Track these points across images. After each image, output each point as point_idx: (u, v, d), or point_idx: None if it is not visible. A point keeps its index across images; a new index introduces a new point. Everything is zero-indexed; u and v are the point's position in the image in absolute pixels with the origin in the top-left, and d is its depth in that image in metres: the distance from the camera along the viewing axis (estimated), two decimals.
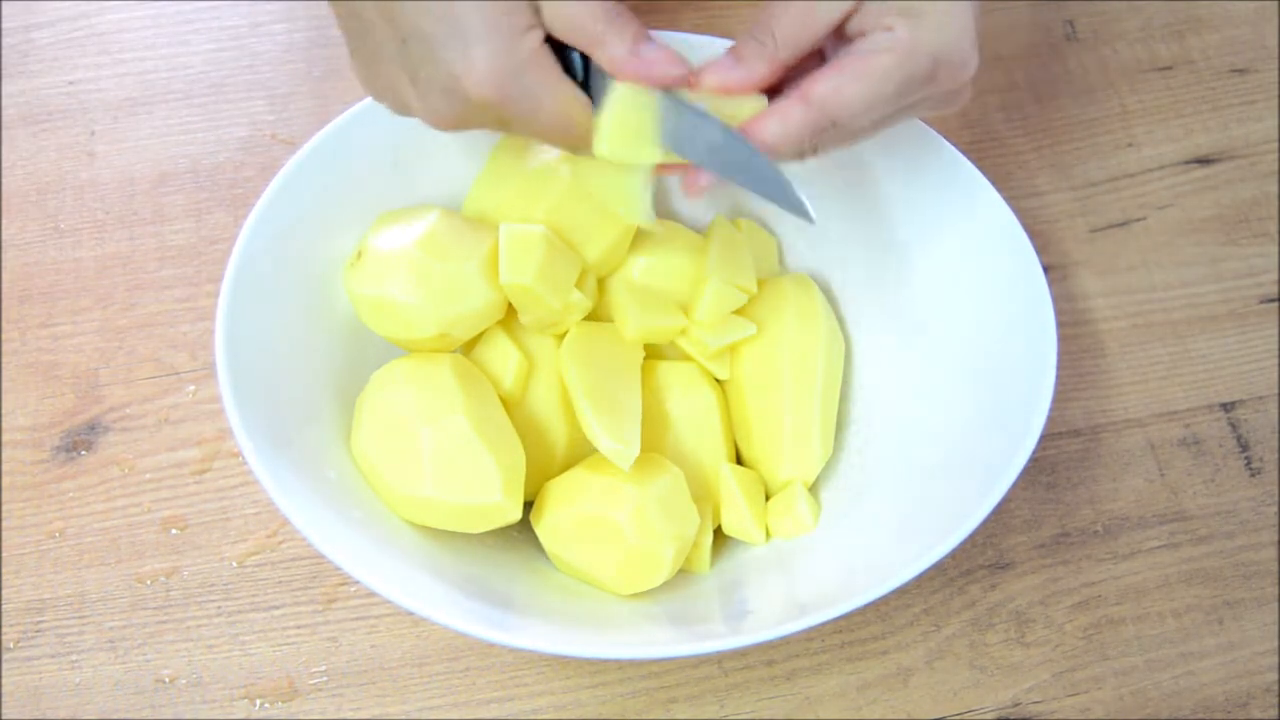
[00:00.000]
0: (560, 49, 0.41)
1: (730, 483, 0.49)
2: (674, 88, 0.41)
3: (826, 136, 0.41)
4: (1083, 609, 0.52)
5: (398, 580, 0.41)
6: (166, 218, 0.60)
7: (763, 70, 0.41)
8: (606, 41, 0.40)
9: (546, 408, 0.50)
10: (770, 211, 0.56)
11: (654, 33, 0.51)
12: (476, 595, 0.44)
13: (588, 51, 0.40)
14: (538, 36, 0.40)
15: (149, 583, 0.52)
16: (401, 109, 0.44)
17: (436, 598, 0.42)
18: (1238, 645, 0.51)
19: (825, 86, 0.40)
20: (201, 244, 0.59)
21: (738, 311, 0.53)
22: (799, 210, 0.40)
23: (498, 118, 0.42)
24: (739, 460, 0.52)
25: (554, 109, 0.41)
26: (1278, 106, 0.64)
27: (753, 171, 0.41)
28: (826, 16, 0.40)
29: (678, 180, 0.52)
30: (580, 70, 0.42)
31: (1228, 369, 0.57)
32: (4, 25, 0.66)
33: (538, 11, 0.40)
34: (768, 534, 0.50)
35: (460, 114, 0.42)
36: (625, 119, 0.41)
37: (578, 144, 0.42)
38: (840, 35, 0.41)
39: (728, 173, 0.41)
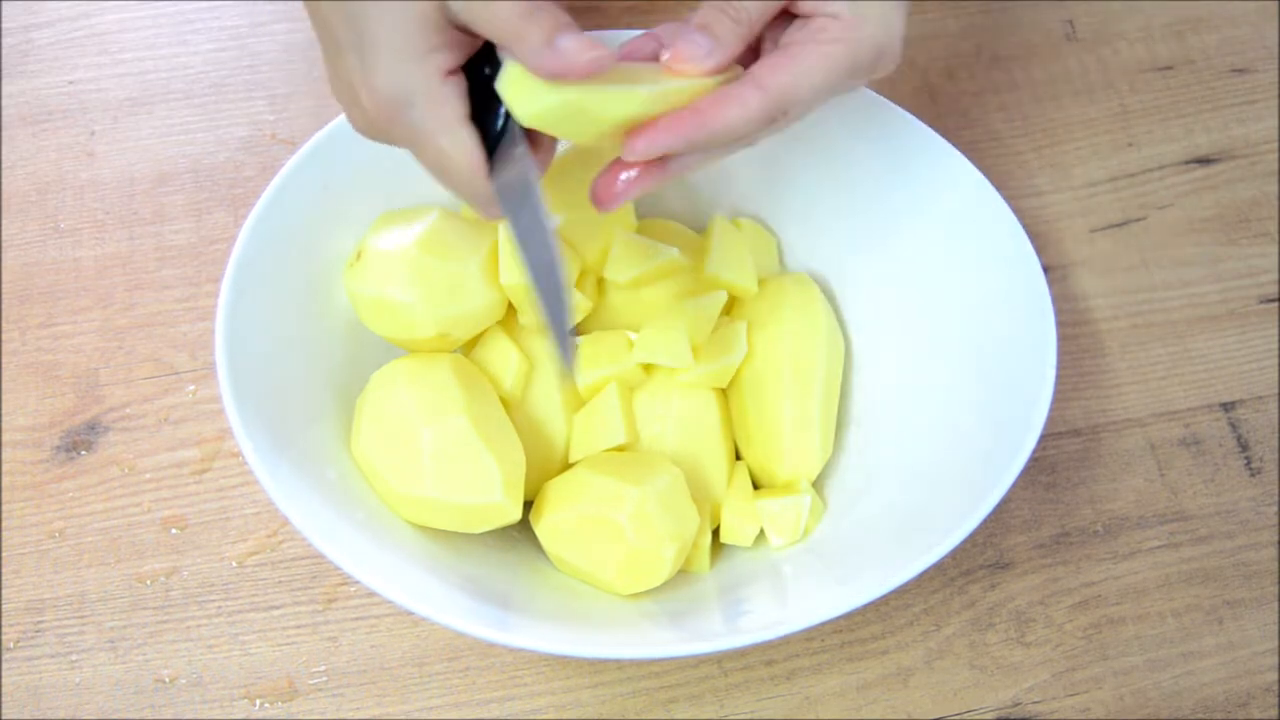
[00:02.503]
0: (486, 95, 0.39)
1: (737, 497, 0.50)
2: (597, 76, 0.37)
3: (775, 124, 0.40)
4: (1083, 609, 0.52)
5: (398, 580, 0.41)
6: (166, 218, 0.60)
7: (738, 50, 0.40)
8: (523, 35, 0.36)
9: (546, 408, 0.50)
10: (771, 211, 0.56)
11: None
12: (477, 595, 0.44)
13: (505, 46, 0.37)
14: (444, 61, 0.38)
15: (149, 583, 0.52)
16: (340, 107, 0.42)
17: (437, 598, 0.42)
18: (1238, 645, 0.51)
19: (784, 77, 0.39)
20: (201, 244, 0.59)
21: (735, 311, 0.53)
22: (565, 358, 0.39)
23: (397, 138, 0.39)
24: (738, 460, 0.52)
25: (440, 151, 0.38)
26: (1278, 106, 0.64)
27: (553, 297, 0.39)
28: None
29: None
30: (501, 122, 0.39)
31: (1228, 369, 0.57)
32: (4, 25, 0.66)
33: (451, 25, 0.37)
34: (765, 534, 0.50)
35: (367, 126, 0.40)
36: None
37: (462, 195, 0.40)
38: (784, 12, 0.41)
39: (534, 280, 0.39)
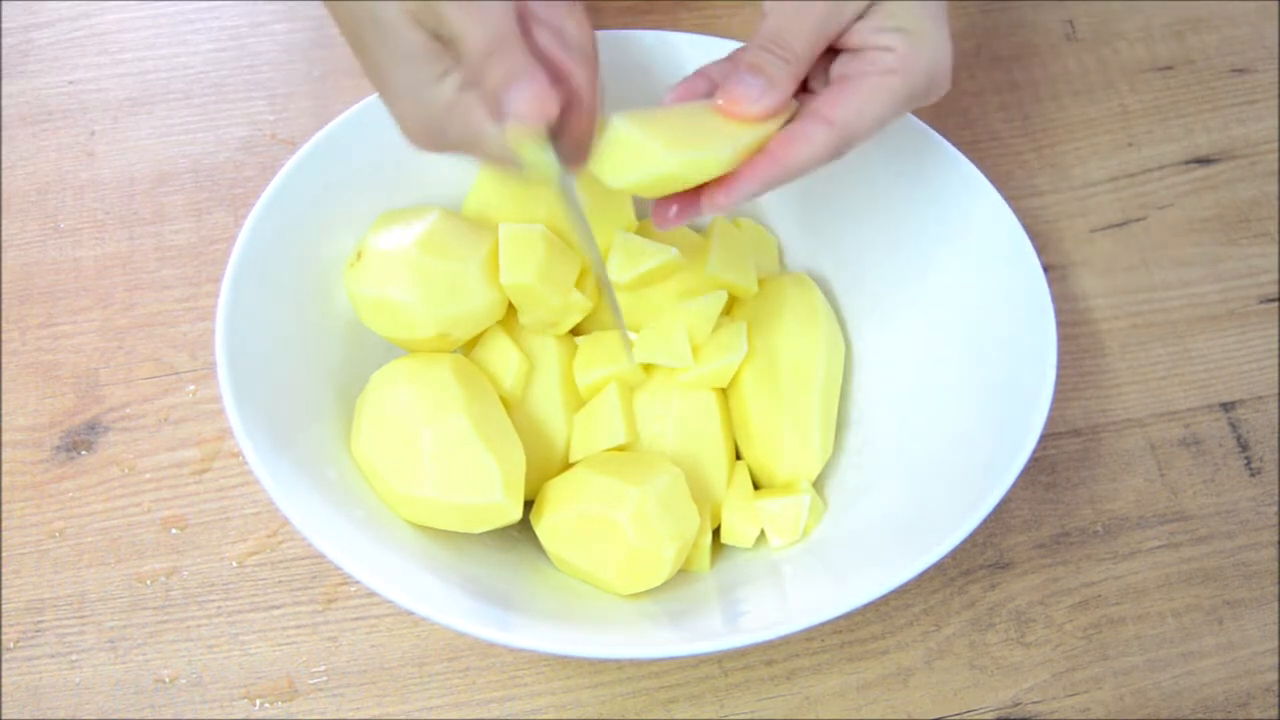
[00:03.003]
0: None
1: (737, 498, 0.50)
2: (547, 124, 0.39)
3: (839, 156, 0.41)
4: (1083, 609, 0.52)
5: (398, 580, 0.41)
6: (166, 218, 0.60)
7: (791, 89, 0.41)
8: (482, 73, 0.37)
9: (546, 408, 0.50)
10: (771, 211, 0.56)
11: (655, 33, 0.51)
12: (477, 595, 0.44)
13: (470, 79, 0.38)
14: (458, 79, 0.39)
15: (149, 583, 0.52)
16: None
17: (437, 598, 0.42)
18: (1238, 645, 0.51)
19: (849, 111, 0.40)
20: (201, 244, 0.59)
21: (735, 311, 0.53)
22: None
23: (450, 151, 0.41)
24: (738, 460, 0.52)
25: (492, 146, 0.39)
26: (1278, 106, 0.64)
27: None
28: (838, 24, 0.40)
29: None
30: None
31: (1228, 369, 0.57)
32: (4, 25, 0.66)
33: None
34: (765, 534, 0.50)
35: (424, 148, 0.42)
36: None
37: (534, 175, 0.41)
38: (833, 47, 0.42)
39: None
